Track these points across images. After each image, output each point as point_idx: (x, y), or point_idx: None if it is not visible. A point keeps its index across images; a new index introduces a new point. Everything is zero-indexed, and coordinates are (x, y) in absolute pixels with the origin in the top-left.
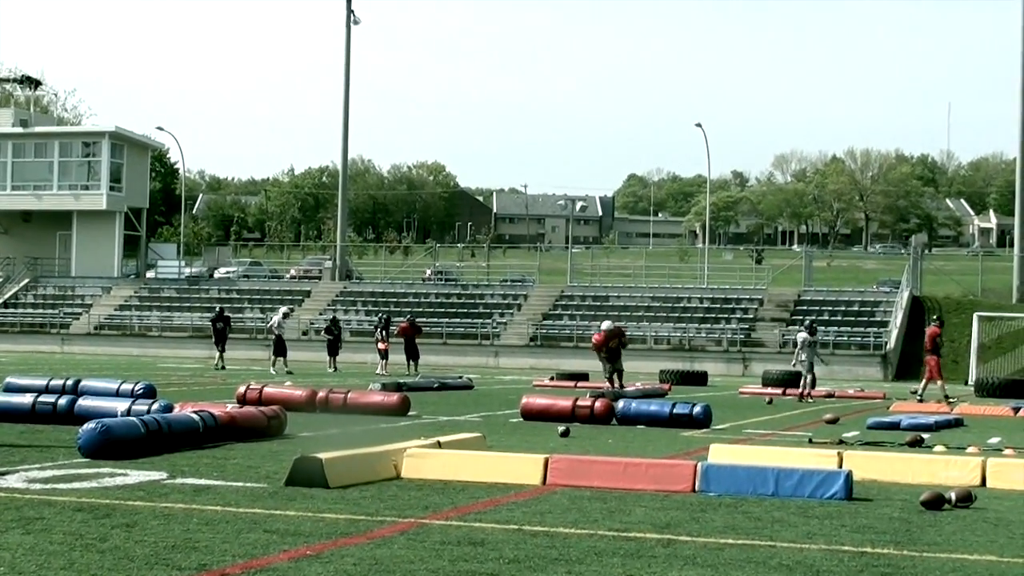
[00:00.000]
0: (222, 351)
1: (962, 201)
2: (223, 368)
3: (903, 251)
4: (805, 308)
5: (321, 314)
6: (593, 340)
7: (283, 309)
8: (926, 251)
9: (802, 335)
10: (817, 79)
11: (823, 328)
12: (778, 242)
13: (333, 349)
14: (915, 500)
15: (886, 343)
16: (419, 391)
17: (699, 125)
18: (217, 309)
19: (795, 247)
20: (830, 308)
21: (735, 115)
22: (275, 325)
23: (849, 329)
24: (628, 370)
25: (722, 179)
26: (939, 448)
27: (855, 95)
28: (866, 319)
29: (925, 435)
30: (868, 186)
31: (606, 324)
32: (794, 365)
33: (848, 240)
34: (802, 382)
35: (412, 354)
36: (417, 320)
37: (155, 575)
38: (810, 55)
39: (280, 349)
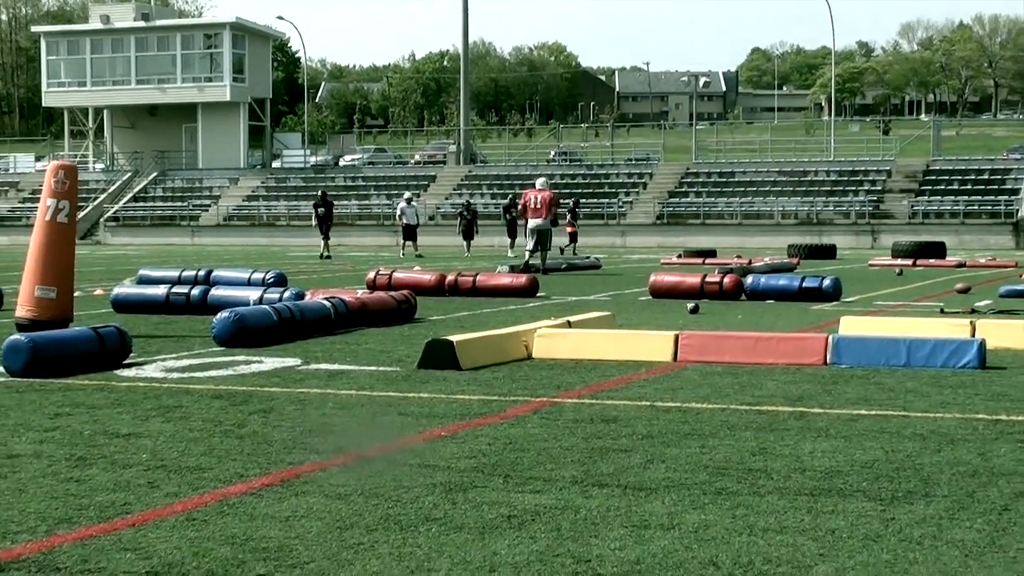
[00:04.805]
0: (326, 238)
1: None
2: (328, 257)
3: None
4: (934, 178)
5: (447, 198)
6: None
7: (406, 195)
8: None
9: None
10: None
11: (952, 198)
12: (905, 112)
13: (468, 233)
14: None
15: (1017, 211)
16: (547, 272)
17: None
18: (319, 193)
19: (923, 117)
20: (960, 177)
21: None
22: (400, 212)
23: (980, 198)
24: (756, 245)
25: (847, 50)
26: None
27: None
28: (996, 187)
29: None
30: (997, 52)
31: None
32: None
33: (977, 108)
34: None
35: None
36: None
37: (293, 459)
38: None
39: (409, 234)
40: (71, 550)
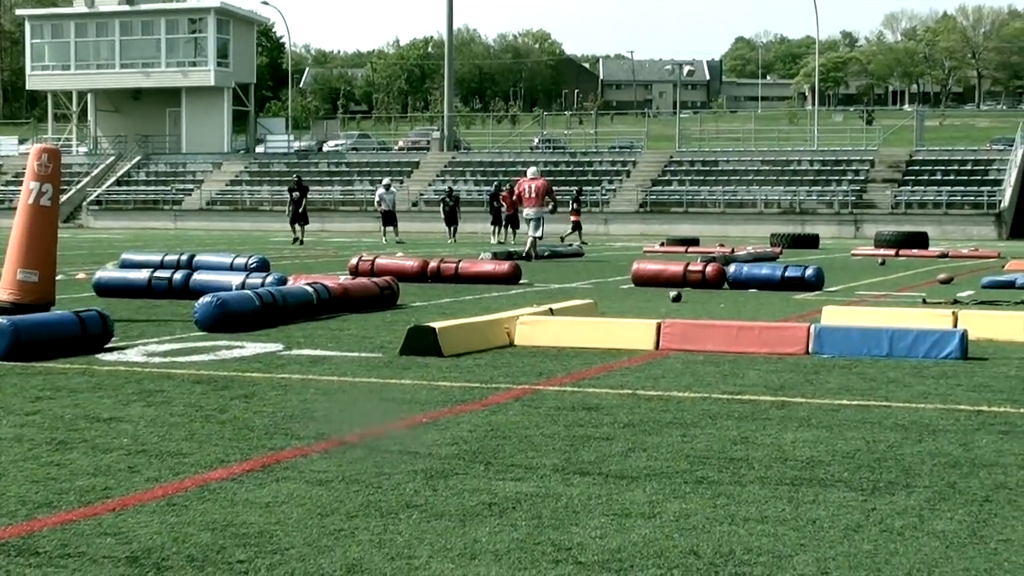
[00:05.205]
0: (301, 224)
1: None
2: (301, 243)
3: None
4: (917, 168)
5: (430, 185)
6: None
7: (384, 181)
8: None
9: None
10: None
11: (935, 188)
12: (889, 102)
13: (451, 219)
14: None
15: (1000, 202)
16: (529, 259)
17: None
18: (294, 177)
19: (906, 107)
20: (943, 168)
21: None
22: (378, 198)
23: (962, 188)
24: (739, 234)
25: (831, 40)
26: None
27: None
28: (979, 178)
29: None
30: (980, 43)
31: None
32: None
33: (960, 99)
34: None
35: (516, 223)
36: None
37: (274, 444)
38: None
39: (388, 220)
40: (51, 534)
